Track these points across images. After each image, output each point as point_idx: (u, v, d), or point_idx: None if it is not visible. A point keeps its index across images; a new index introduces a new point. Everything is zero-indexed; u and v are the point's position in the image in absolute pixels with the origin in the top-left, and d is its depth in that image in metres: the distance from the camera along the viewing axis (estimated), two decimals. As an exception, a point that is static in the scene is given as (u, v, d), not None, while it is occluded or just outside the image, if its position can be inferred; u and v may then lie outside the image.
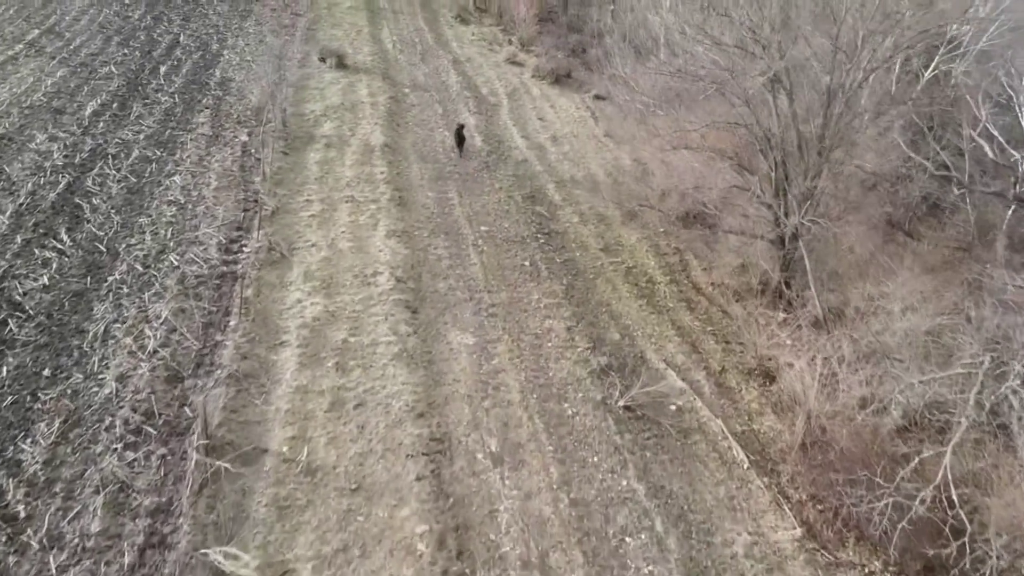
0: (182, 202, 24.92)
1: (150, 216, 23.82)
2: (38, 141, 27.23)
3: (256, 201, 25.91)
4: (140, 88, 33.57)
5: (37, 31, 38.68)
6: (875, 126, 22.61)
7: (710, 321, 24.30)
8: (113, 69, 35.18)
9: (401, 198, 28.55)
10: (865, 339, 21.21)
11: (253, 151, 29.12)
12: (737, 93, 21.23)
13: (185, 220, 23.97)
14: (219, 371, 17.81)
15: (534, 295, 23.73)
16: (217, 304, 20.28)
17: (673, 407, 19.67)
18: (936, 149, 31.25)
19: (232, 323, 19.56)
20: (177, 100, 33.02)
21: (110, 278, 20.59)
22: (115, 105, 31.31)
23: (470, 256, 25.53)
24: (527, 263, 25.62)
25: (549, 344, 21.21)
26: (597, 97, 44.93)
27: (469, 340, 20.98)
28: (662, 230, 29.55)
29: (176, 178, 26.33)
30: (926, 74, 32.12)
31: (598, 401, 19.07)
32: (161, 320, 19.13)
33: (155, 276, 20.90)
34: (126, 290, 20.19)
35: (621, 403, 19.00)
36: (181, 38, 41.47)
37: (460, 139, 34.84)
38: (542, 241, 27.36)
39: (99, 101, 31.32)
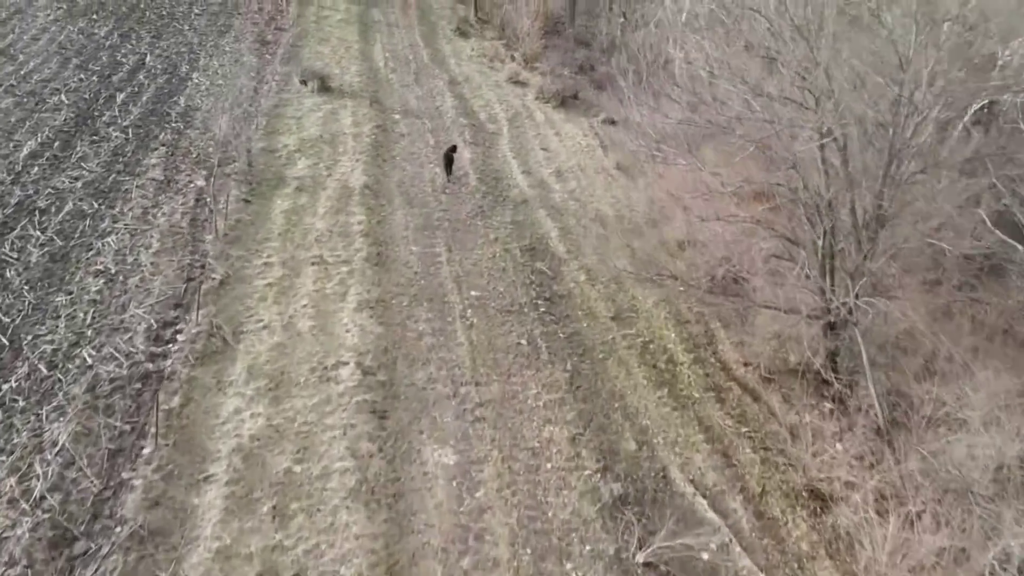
0: (112, 272, 20.93)
1: (70, 293, 19.85)
2: (-45, 193, 23.38)
3: (203, 267, 21.93)
4: (90, 121, 29.64)
5: (-14, 54, 34.90)
6: (951, 191, 18.41)
7: (744, 418, 20.16)
8: (64, 98, 31.28)
9: (379, 256, 24.52)
10: (939, 458, 17.07)
11: (209, 200, 25.12)
12: (782, 153, 17.11)
13: (112, 297, 19.97)
14: (120, 528, 13.80)
15: (532, 387, 19.64)
16: (132, 420, 16.27)
17: (705, 555, 15.55)
18: (1002, 192, 27.03)
19: (147, 450, 15.54)
20: (130, 136, 29.06)
21: (4, 386, 16.62)
22: (57, 144, 27.38)
23: (456, 333, 21.47)
24: (524, 341, 21.53)
25: (549, 465, 17.09)
26: (606, 121, 40.93)
27: (449, 459, 16.91)
28: (682, 290, 25.39)
29: (111, 239, 22.36)
30: (974, 105, 27.82)
31: (611, 557, 14.95)
32: (57, 448, 15.15)
33: (61, 381, 16.91)
34: (21, 404, 16.21)
35: (640, 559, 14.89)
36: (148, 59, 37.56)
37: (449, 163, 31.03)
38: (543, 309, 23.26)
39: (40, 139, 27.40)
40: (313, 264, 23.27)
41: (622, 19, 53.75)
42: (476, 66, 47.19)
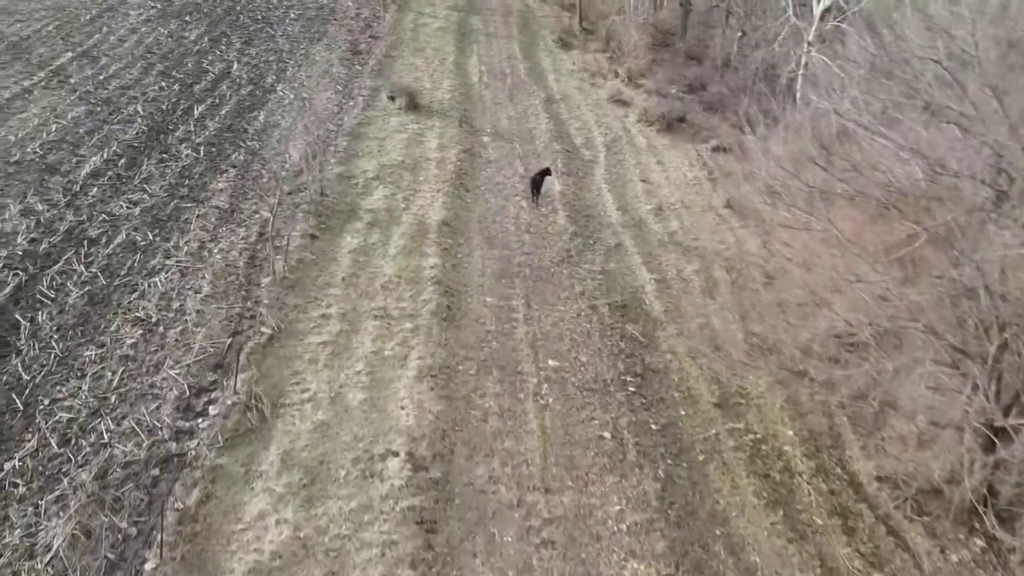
0: (153, 321, 18.81)
1: (102, 345, 17.78)
2: (7, 216, 21.85)
3: (253, 318, 19.59)
4: (162, 137, 28.05)
5: (70, 54, 34.00)
6: None
7: (878, 558, 16.18)
8: (140, 109, 29.88)
9: (449, 309, 21.69)
10: None
11: (272, 235, 22.84)
12: (967, 253, 13.17)
13: (147, 353, 17.80)
14: None
15: (614, 501, 16.27)
16: (140, 520, 13.86)
17: None
18: None
19: (149, 565, 13.07)
20: (201, 155, 27.26)
21: (8, 465, 14.54)
22: (122, 162, 25.79)
23: (528, 416, 18.35)
24: (608, 434, 18.17)
25: (629, 622, 13.76)
26: (716, 149, 36.94)
27: (507, 598, 13.82)
28: (804, 370, 21.42)
29: (159, 278, 20.31)
30: None
31: None
32: (50, 555, 12.88)
33: (71, 460, 14.73)
34: (21, 489, 14.06)
35: None
36: (234, 67, 36.05)
37: (537, 187, 28.46)
38: (632, 390, 19.85)
39: (105, 155, 25.88)
40: (375, 318, 20.61)
41: (740, 34, 49.43)
42: (576, 82, 43.87)
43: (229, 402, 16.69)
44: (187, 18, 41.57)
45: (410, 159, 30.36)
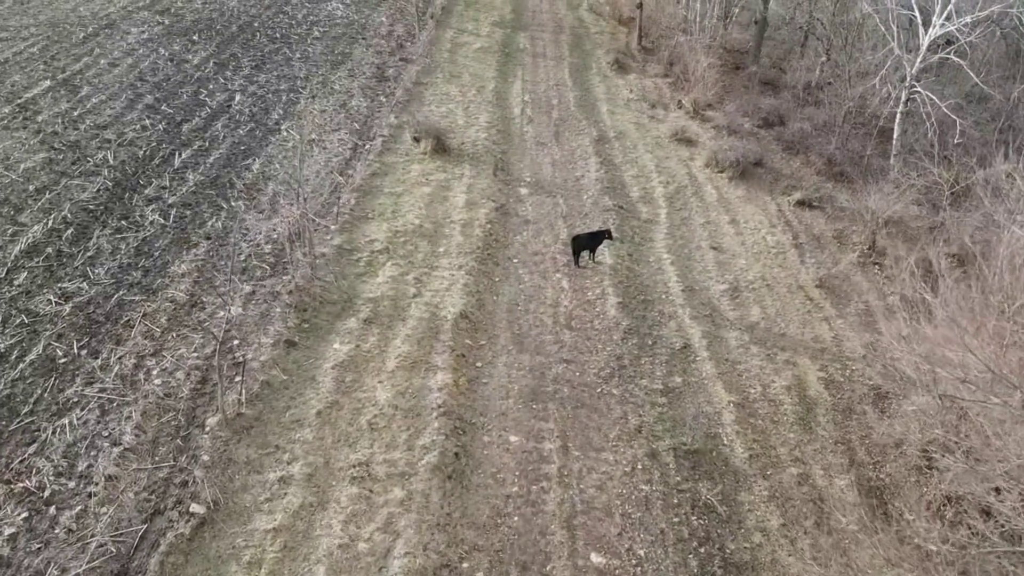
0: (45, 496, 13.67)
1: (-41, 543, 12.74)
2: (-102, 318, 17.09)
3: (185, 486, 14.34)
4: (128, 195, 23.10)
5: (48, 82, 29.41)
6: None
7: None
8: (110, 156, 25.00)
9: (457, 458, 16.21)
10: None
11: (236, 343, 17.65)
12: None
13: (27, 553, 12.57)
14: None
15: None
16: None
17: None
18: None
19: None
20: (170, 221, 22.22)
21: None
22: (69, 232, 20.88)
23: (558, 661, 12.77)
24: None
25: None
26: (801, 204, 30.85)
27: None
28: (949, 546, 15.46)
29: (71, 419, 15.20)
30: None
31: None
32: None
33: None
34: None
35: None
36: (237, 98, 31.08)
37: (582, 249, 23.82)
38: (707, 608, 14.11)
39: (51, 222, 21.01)
40: (353, 481, 15.19)
41: (824, 58, 42.93)
42: (633, 115, 37.88)
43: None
44: (195, 36, 36.79)
45: (430, 222, 24.92)
